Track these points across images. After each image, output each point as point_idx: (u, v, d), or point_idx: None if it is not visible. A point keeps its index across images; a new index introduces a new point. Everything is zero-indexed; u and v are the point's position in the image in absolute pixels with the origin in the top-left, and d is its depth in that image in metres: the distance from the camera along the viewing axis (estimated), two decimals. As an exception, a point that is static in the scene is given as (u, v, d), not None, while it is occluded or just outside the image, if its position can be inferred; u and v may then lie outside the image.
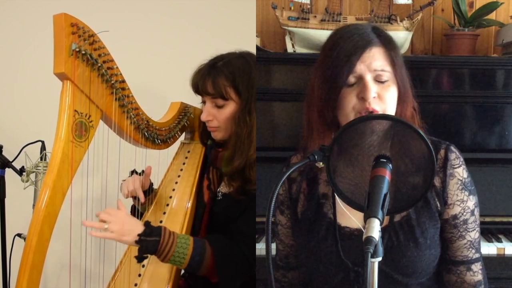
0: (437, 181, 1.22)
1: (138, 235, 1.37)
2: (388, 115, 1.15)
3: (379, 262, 1.16)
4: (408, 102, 1.22)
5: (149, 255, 1.44)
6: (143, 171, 1.68)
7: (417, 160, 1.00)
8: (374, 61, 1.16)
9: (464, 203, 1.22)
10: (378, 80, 1.16)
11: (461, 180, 1.22)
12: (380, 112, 1.15)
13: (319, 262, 1.22)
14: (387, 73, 1.17)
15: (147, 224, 1.40)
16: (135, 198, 1.67)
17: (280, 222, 1.35)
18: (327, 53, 1.20)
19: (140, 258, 1.38)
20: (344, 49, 1.17)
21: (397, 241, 1.18)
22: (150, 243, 1.37)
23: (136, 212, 1.72)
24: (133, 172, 1.70)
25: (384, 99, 1.16)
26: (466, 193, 1.22)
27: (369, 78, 1.15)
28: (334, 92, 1.17)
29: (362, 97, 1.15)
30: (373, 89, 1.15)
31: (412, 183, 1.05)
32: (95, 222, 1.37)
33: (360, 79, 1.16)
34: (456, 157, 1.23)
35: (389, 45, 1.19)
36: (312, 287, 1.30)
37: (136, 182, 1.63)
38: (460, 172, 1.22)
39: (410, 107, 1.22)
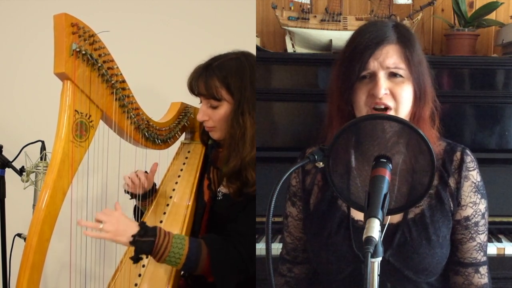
0: (452, 182, 1.23)
1: (132, 235, 1.36)
2: (382, 114, 1.14)
3: (391, 257, 1.18)
4: (426, 103, 1.20)
5: (145, 257, 1.43)
6: (146, 172, 1.67)
7: (419, 160, 1.00)
8: (388, 58, 1.16)
9: (476, 206, 1.24)
10: (391, 75, 1.16)
11: (474, 183, 1.24)
12: (393, 109, 1.16)
13: (331, 254, 1.22)
14: (402, 71, 1.17)
15: (142, 225, 1.39)
16: (137, 198, 1.67)
17: (291, 214, 1.35)
18: (346, 48, 1.22)
19: (135, 259, 1.38)
20: (359, 44, 1.17)
21: (410, 237, 1.19)
22: (145, 243, 1.36)
23: (138, 212, 1.72)
24: None
25: (397, 96, 1.16)
26: (479, 196, 1.24)
27: (381, 75, 1.16)
28: (347, 86, 1.18)
29: (373, 94, 1.15)
30: (383, 86, 1.15)
31: (413, 183, 1.05)
32: (90, 222, 1.37)
33: (373, 75, 1.17)
34: (471, 160, 1.24)
35: (406, 42, 1.18)
36: (321, 280, 1.30)
37: (141, 176, 1.64)
38: (474, 175, 1.24)
39: (428, 108, 1.21)
